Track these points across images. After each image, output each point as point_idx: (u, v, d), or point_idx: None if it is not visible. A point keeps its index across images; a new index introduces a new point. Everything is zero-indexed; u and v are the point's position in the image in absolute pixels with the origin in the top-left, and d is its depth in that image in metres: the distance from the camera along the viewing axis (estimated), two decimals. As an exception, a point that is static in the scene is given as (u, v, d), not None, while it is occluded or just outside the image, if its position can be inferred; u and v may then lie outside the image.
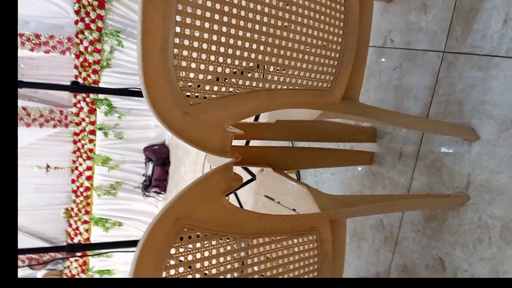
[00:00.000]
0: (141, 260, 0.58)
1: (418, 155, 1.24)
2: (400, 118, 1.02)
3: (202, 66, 0.68)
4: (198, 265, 0.68)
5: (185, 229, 0.66)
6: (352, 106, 0.95)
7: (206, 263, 0.69)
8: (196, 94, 0.70)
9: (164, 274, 0.62)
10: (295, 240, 0.90)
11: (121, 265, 4.13)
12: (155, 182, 4.05)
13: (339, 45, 0.90)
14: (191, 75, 0.69)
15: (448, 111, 1.15)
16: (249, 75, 0.76)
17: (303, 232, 0.91)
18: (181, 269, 0.65)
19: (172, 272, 0.65)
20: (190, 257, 0.68)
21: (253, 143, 1.21)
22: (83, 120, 3.84)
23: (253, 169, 1.88)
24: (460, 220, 1.11)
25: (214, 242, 0.73)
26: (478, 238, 1.06)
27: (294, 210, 1.06)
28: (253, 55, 0.73)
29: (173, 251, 0.65)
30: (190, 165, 3.45)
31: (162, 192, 4.14)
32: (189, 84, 0.68)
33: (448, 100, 1.16)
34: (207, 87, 0.70)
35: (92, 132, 3.91)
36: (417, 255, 1.23)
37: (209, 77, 0.71)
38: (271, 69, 0.78)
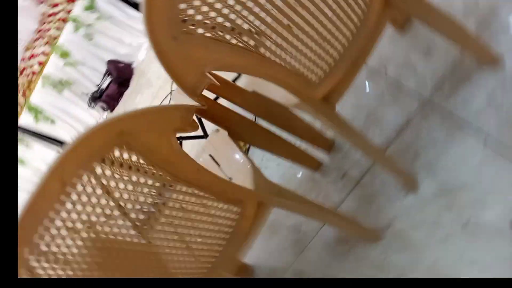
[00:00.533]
0: (70, 155, 0.55)
1: (359, 182, 1.29)
2: (362, 141, 1.05)
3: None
4: (120, 185, 0.67)
5: (125, 146, 0.64)
6: (327, 109, 0.96)
7: (129, 187, 0.67)
8: (193, 24, 0.67)
9: (85, 177, 0.59)
10: (219, 205, 0.91)
11: (37, 161, 3.94)
12: (106, 98, 3.87)
13: (342, 47, 0.90)
14: (196, 2, 0.66)
15: (404, 155, 1.20)
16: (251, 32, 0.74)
17: (230, 201, 0.91)
18: (103, 181, 0.63)
19: (91, 180, 0.63)
20: (117, 176, 0.66)
21: (221, 101, 1.19)
22: (59, 4, 3.56)
23: (208, 129, 1.86)
24: (366, 254, 1.17)
25: (144, 171, 0.71)
26: (373, 275, 1.13)
27: (230, 178, 1.06)
28: (263, 14, 0.71)
29: (104, 162, 0.63)
30: (147, 96, 3.34)
31: (109, 110, 3.98)
32: (190, 10, 0.65)
33: (408, 146, 1.21)
34: (207, 23, 0.67)
35: (64, 20, 3.64)
36: (315, 268, 1.29)
37: (212, 14, 0.68)
38: (274, 38, 0.77)
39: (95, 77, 4.02)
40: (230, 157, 1.13)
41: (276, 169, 1.61)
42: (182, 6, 0.64)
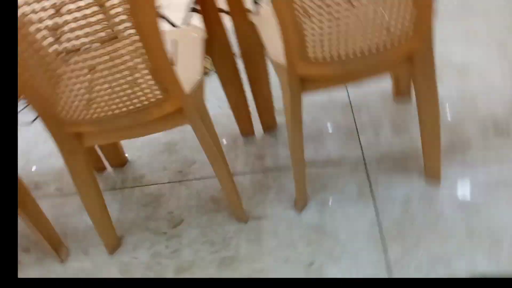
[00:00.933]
0: None
1: (267, 172, 1.30)
2: (296, 143, 1.05)
3: None
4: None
5: None
6: (297, 88, 0.95)
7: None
8: None
9: None
10: (147, 76, 0.85)
11: None
12: None
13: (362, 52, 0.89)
14: None
15: (315, 180, 1.23)
16: None
17: (158, 80, 0.86)
18: None
19: None
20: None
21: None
22: None
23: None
24: (223, 224, 1.19)
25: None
26: (210, 242, 1.15)
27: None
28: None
29: None
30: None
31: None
32: None
33: (325, 177, 1.24)
34: None
35: None
36: (176, 204, 1.28)
37: None
38: None
39: None
40: (188, 54, 1.07)
41: (214, 108, 1.58)
42: None
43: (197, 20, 1.26)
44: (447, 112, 1.33)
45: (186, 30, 1.20)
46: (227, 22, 1.15)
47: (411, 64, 0.96)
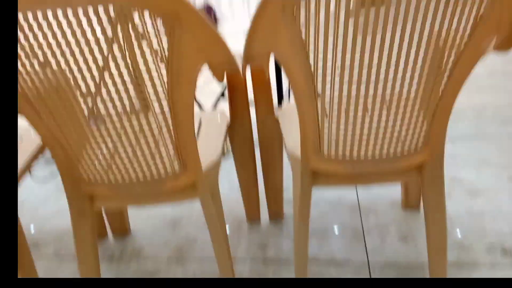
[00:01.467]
0: None
1: (267, 262, 1.27)
2: (302, 238, 1.05)
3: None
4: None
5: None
6: (308, 182, 0.98)
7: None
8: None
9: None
10: (170, 147, 0.90)
11: None
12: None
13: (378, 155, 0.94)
14: None
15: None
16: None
17: (181, 156, 0.91)
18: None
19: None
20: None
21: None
22: None
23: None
24: None
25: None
26: None
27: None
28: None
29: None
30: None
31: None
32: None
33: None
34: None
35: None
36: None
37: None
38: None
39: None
40: (209, 134, 1.13)
41: (225, 189, 1.60)
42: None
43: (224, 106, 1.35)
44: (456, 228, 1.32)
45: (212, 113, 1.29)
46: (252, 111, 1.24)
47: (420, 175, 0.99)
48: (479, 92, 2.25)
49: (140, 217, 1.52)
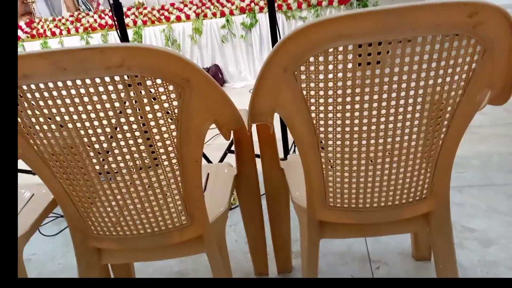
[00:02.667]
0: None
1: None
2: None
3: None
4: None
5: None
6: (315, 234, 0.98)
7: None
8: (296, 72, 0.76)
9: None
10: (179, 205, 0.92)
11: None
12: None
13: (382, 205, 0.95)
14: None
15: None
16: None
17: (188, 211, 0.92)
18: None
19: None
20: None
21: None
22: None
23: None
24: None
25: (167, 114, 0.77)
26: None
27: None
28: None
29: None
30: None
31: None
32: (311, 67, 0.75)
33: None
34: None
35: None
36: None
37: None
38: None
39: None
40: (217, 187, 1.15)
41: (232, 243, 1.59)
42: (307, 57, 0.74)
43: (231, 160, 1.38)
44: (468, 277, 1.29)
45: (220, 165, 1.32)
46: (258, 163, 1.27)
47: (428, 224, 0.99)
48: (484, 142, 2.27)
49: (147, 272, 1.50)
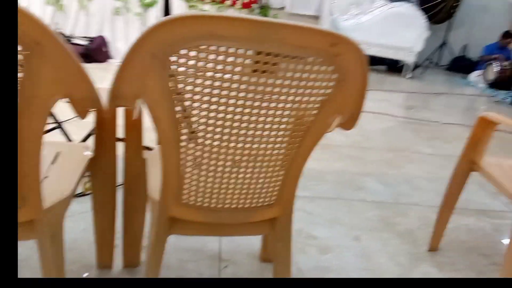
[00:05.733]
0: None
1: None
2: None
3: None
4: None
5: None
6: (164, 231, 0.96)
7: None
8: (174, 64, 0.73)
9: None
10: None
11: None
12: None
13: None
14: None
15: None
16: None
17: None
18: None
19: None
20: None
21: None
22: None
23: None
24: None
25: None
26: None
27: (45, 177, 0.96)
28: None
29: None
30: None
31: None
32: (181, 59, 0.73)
33: None
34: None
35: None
36: None
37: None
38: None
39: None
40: (65, 169, 1.05)
41: (78, 231, 1.46)
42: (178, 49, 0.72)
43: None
44: (305, 282, 1.41)
45: (75, 145, 1.20)
46: (119, 149, 1.19)
47: (272, 228, 1.05)
48: (341, 160, 2.55)
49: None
